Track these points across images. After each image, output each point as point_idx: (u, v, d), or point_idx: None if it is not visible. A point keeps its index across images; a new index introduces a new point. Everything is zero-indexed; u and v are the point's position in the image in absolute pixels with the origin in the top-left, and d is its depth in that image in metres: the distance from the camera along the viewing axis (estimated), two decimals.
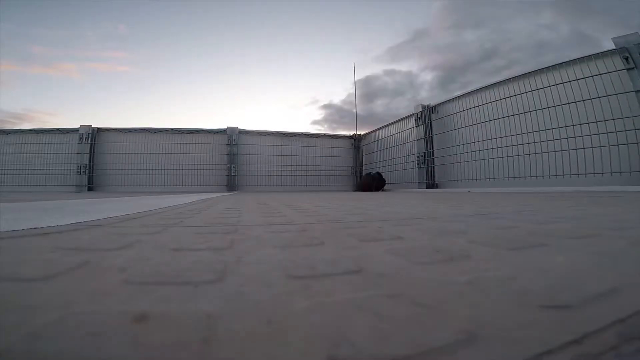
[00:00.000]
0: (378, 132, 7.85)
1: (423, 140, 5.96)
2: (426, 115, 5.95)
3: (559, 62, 3.93)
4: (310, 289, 0.26)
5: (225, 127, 7.59)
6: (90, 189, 6.87)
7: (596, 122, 3.51)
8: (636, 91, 3.26)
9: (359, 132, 8.59)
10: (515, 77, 4.42)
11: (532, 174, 4.11)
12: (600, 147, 3.47)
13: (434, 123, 5.89)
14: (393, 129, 7.13)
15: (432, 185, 5.79)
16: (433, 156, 5.81)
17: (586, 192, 2.31)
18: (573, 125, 3.71)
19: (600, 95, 3.51)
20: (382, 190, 6.49)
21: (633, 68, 3.28)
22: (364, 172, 7.84)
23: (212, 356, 0.15)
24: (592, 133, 3.54)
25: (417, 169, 6.09)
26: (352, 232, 0.60)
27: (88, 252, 0.40)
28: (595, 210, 0.90)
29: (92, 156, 6.97)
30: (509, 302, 0.23)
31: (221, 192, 6.22)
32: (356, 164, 8.37)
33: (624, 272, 0.29)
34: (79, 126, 7.03)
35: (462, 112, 5.23)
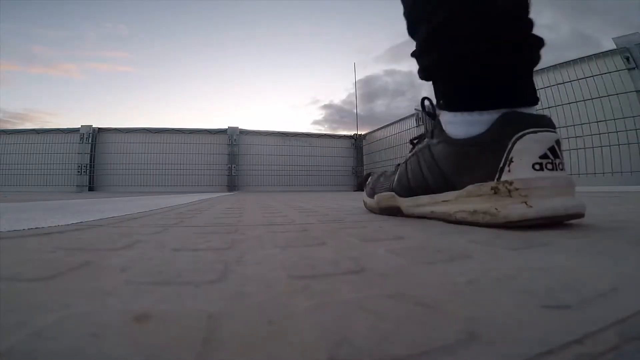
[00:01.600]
0: (379, 132, 7.83)
1: None
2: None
3: (559, 62, 3.93)
4: (312, 289, 0.26)
5: (225, 127, 7.58)
6: (91, 188, 6.87)
7: (597, 122, 3.51)
8: (637, 91, 3.25)
9: (359, 132, 8.58)
10: None
11: None
12: (601, 147, 3.47)
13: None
14: (394, 129, 7.12)
15: None
16: None
17: (586, 192, 2.30)
18: (574, 125, 3.70)
19: (600, 95, 3.51)
20: None
21: (634, 68, 3.28)
22: (365, 172, 7.83)
23: (213, 356, 0.15)
24: (592, 133, 3.54)
25: None
26: (353, 231, 0.60)
27: (89, 252, 0.40)
28: (596, 211, 0.90)
29: (93, 156, 6.97)
30: (509, 302, 0.23)
31: (222, 192, 6.21)
32: (357, 164, 8.36)
33: (624, 272, 0.29)
34: (79, 126, 7.02)
35: None
